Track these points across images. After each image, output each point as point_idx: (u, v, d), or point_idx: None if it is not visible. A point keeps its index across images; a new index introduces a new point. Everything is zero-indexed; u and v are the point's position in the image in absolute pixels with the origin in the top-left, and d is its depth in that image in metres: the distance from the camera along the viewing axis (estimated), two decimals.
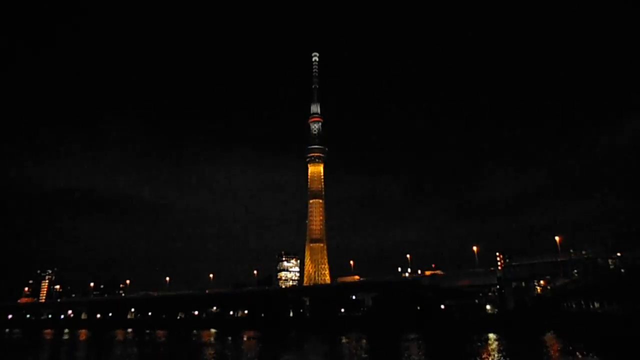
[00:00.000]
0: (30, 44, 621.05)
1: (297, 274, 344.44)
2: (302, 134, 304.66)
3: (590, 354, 61.29)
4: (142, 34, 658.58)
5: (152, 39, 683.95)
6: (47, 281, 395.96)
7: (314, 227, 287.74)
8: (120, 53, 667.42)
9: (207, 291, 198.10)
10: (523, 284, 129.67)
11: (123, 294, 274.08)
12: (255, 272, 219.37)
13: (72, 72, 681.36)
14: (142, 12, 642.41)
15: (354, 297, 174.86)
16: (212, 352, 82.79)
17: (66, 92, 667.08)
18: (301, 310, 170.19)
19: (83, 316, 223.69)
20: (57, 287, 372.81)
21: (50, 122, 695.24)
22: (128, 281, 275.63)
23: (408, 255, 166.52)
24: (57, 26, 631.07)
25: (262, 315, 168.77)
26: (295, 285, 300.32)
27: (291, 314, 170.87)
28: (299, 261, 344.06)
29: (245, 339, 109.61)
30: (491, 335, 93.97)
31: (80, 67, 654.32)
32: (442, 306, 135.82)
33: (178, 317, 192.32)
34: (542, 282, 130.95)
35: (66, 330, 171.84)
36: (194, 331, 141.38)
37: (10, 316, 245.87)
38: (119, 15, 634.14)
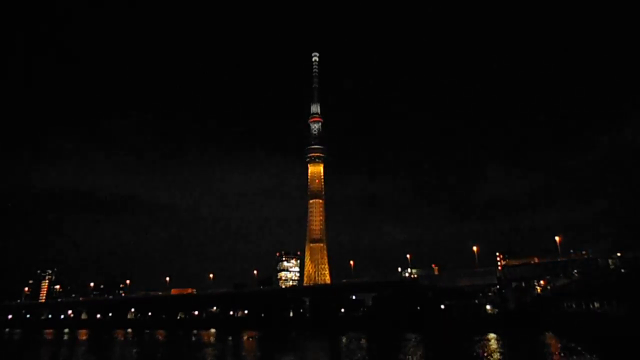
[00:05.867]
0: (32, 44, 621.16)
1: (297, 274, 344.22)
2: (302, 134, 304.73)
3: (590, 354, 61.29)
4: (144, 35, 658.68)
5: (154, 40, 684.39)
6: (47, 281, 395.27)
7: (314, 227, 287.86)
8: (122, 54, 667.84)
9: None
10: (523, 284, 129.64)
11: (123, 294, 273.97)
12: (255, 272, 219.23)
13: (74, 73, 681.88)
14: (145, 12, 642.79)
15: (354, 297, 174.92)
16: (212, 352, 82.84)
17: (68, 93, 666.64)
18: (301, 310, 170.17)
19: (83, 316, 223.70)
20: (57, 287, 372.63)
21: (52, 122, 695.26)
22: (128, 281, 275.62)
23: (408, 255, 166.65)
24: (60, 25, 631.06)
25: (262, 315, 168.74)
26: (295, 285, 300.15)
27: (291, 314, 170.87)
28: (299, 261, 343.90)
29: (245, 339, 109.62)
30: (491, 335, 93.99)
31: (83, 67, 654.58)
32: (442, 306, 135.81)
33: (178, 317, 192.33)
34: (542, 282, 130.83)
35: (66, 330, 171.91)
36: (194, 331, 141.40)
37: (10, 316, 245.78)
38: (122, 16, 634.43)
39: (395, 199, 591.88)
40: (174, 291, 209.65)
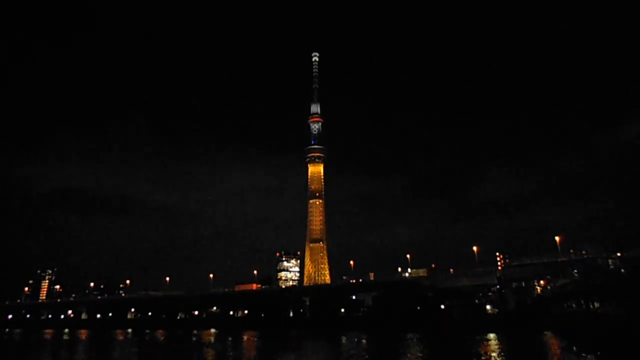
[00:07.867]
0: (34, 45, 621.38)
1: (297, 274, 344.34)
2: (302, 134, 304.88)
3: (590, 354, 61.27)
4: (145, 36, 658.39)
5: (155, 41, 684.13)
6: (47, 281, 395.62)
7: (314, 227, 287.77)
8: (124, 54, 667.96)
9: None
10: (523, 284, 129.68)
11: (123, 294, 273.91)
12: (255, 272, 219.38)
13: (76, 73, 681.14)
14: (146, 14, 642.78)
15: (354, 297, 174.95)
16: (212, 352, 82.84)
17: (69, 93, 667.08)
18: (301, 310, 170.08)
19: (83, 316, 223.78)
20: (57, 287, 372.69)
21: (52, 123, 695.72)
22: (128, 281, 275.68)
23: (408, 255, 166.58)
24: (60, 26, 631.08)
25: (262, 315, 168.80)
26: (295, 285, 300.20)
27: (291, 314, 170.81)
28: (299, 261, 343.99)
29: (245, 339, 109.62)
30: (491, 335, 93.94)
31: (84, 68, 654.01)
32: (442, 306, 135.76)
33: (178, 317, 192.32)
34: (542, 282, 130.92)
35: (66, 330, 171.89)
36: (194, 331, 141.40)
37: (10, 316, 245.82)
38: (123, 17, 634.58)
39: (395, 199, 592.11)
40: (238, 287, 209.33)
